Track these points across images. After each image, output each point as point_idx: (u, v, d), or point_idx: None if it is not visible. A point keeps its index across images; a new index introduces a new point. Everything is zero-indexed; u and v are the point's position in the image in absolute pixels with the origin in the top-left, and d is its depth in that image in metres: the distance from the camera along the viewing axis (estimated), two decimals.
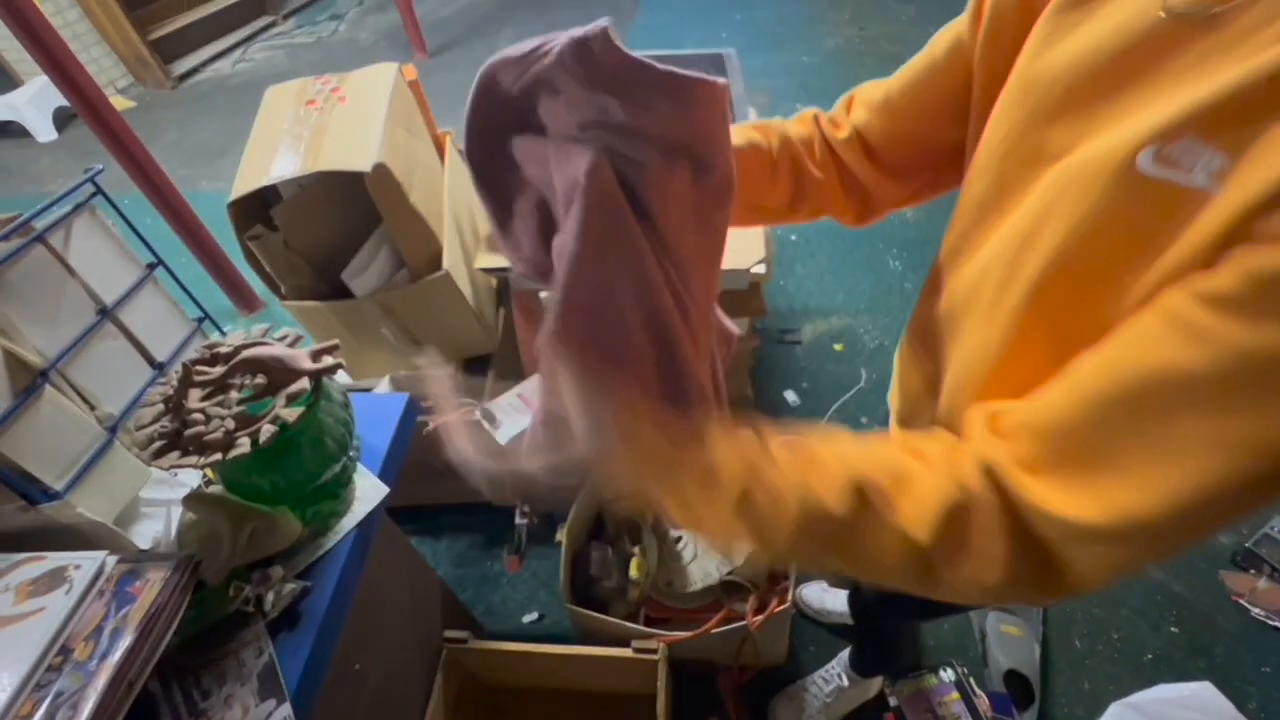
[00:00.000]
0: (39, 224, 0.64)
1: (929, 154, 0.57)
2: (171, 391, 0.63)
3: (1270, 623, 1.28)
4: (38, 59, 1.75)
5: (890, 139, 0.57)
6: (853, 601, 1.03)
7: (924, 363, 0.57)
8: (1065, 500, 0.33)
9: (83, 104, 1.81)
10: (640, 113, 0.39)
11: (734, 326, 0.58)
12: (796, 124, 0.60)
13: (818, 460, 0.40)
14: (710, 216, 0.46)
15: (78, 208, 0.67)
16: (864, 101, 0.58)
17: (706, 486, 0.40)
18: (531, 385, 1.18)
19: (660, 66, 0.38)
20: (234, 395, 0.63)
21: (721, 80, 0.40)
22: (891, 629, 1.05)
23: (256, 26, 4.29)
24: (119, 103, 3.47)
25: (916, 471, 0.39)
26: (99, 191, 0.67)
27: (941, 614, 1.14)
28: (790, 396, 1.78)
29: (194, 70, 3.93)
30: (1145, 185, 0.33)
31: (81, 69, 1.81)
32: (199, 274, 2.09)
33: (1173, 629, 1.29)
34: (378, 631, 0.88)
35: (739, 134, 0.57)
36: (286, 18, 4.46)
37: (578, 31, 0.38)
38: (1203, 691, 1.10)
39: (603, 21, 0.38)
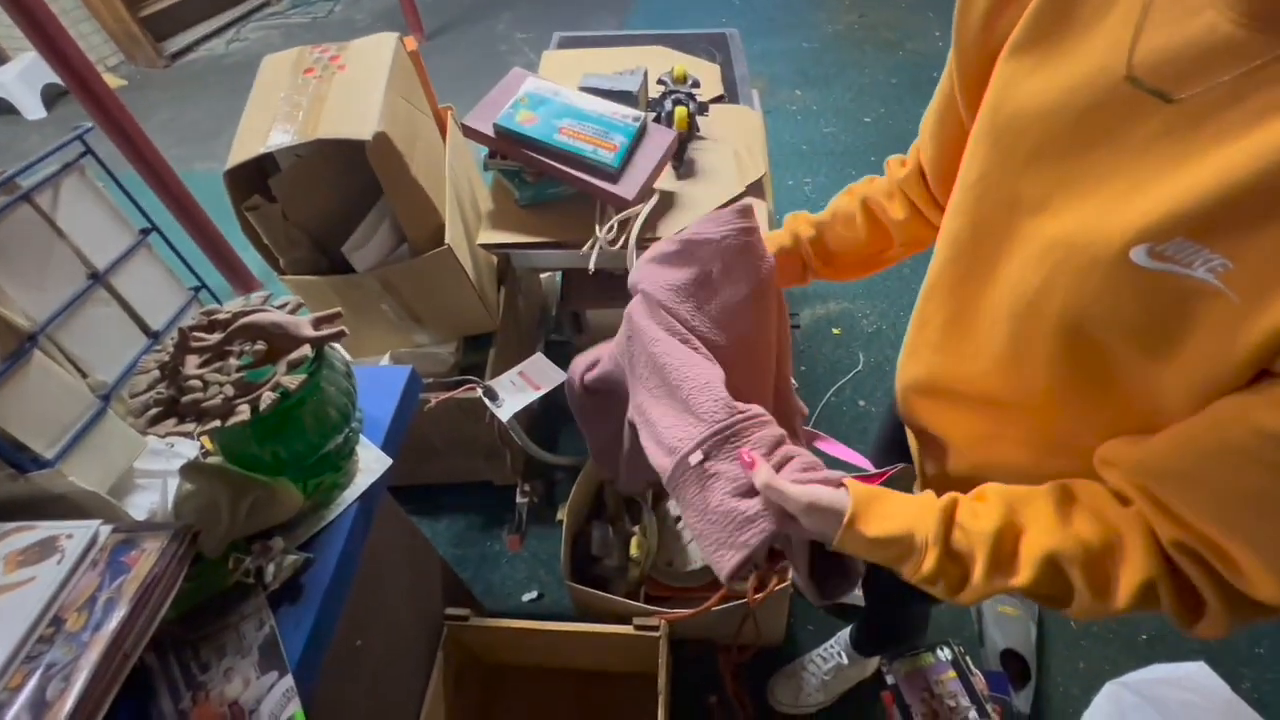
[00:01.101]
0: (25, 182, 0.62)
1: None
2: (167, 358, 0.61)
3: None
4: (27, 33, 1.71)
5: (934, 171, 0.59)
6: (868, 578, 1.02)
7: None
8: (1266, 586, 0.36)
9: (73, 79, 1.77)
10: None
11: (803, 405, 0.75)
12: (878, 181, 0.67)
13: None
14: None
15: (66, 167, 0.65)
16: (900, 178, 0.64)
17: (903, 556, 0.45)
18: (532, 364, 1.17)
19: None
20: (233, 362, 0.61)
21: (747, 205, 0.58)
22: (906, 611, 1.04)
23: (251, 5, 4.20)
24: (110, 81, 3.39)
25: (1107, 540, 0.41)
26: (88, 150, 0.65)
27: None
28: None
29: (187, 49, 3.85)
30: (1146, 276, 0.34)
31: (72, 43, 1.76)
32: (195, 254, 2.06)
33: None
34: (379, 609, 0.87)
35: (841, 204, 0.69)
36: None
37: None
38: (1197, 672, 1.10)
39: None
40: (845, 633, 1.23)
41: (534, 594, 1.40)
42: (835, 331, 1.89)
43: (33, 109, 3.34)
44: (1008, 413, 0.51)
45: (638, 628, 1.04)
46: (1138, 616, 1.29)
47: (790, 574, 1.14)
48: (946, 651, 1.22)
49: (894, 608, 1.04)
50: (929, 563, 0.44)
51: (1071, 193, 0.38)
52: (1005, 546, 0.43)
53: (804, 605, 1.36)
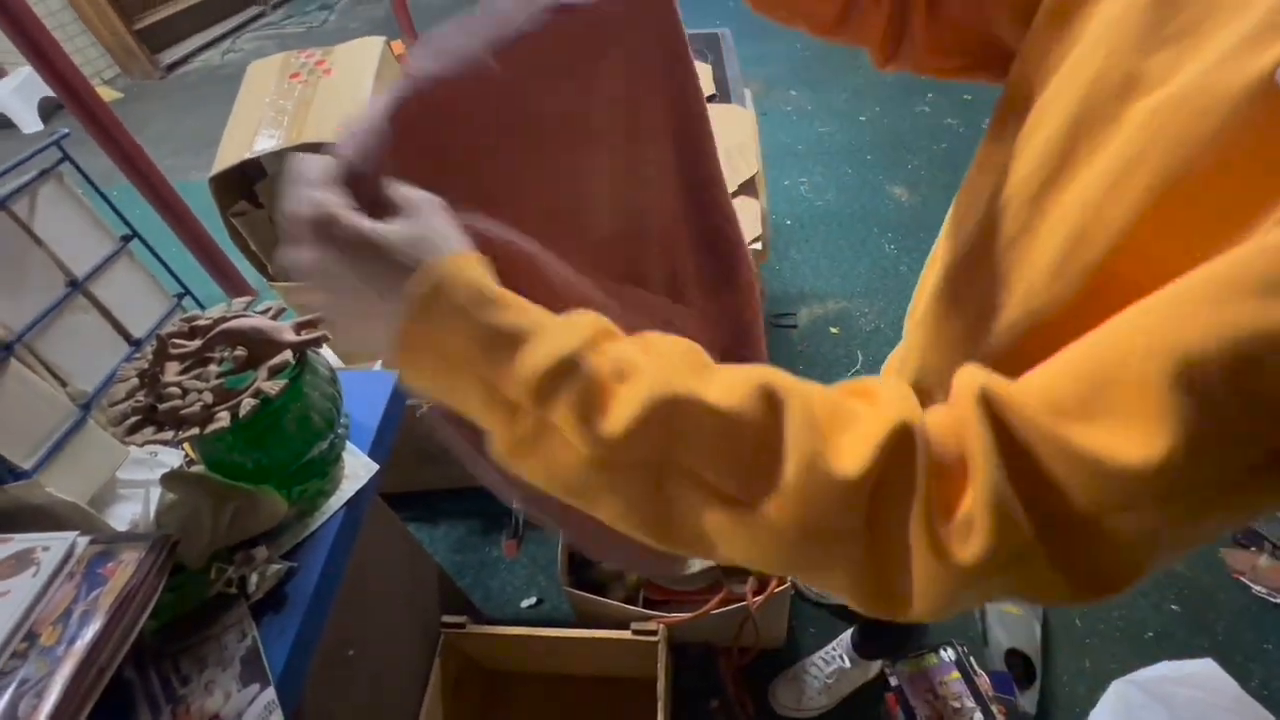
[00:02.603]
0: (0, 190, 0.61)
1: (978, 36, 0.48)
2: (146, 365, 0.60)
3: (1272, 600, 1.26)
4: (21, 48, 1.71)
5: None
6: None
7: (963, 313, 0.49)
8: (1112, 440, 0.24)
9: (68, 94, 1.76)
10: None
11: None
12: None
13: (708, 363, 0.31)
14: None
15: (43, 174, 0.64)
16: None
17: (511, 339, 0.28)
18: None
19: None
20: (213, 369, 0.60)
21: None
22: None
23: (245, 16, 4.23)
24: (105, 93, 3.41)
25: (857, 404, 0.29)
26: (65, 157, 0.64)
27: None
28: None
29: (182, 60, 3.87)
30: None
31: (65, 58, 1.76)
32: (191, 264, 2.05)
33: (1174, 607, 1.28)
34: (373, 617, 0.86)
35: None
36: (275, 7, 4.39)
37: None
38: (1205, 669, 1.08)
39: None
40: (847, 635, 1.21)
41: (533, 600, 1.39)
42: (833, 331, 1.87)
43: (29, 123, 3.35)
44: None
45: (636, 632, 1.02)
46: (1144, 614, 1.27)
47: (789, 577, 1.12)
48: (950, 652, 1.20)
49: None
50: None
51: (1199, 56, 0.31)
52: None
53: (805, 608, 1.34)
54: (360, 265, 0.29)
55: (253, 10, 4.26)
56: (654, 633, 1.02)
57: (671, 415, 0.27)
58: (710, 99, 1.45)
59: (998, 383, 0.27)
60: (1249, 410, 0.23)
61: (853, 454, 0.26)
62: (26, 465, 0.58)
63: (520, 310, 0.29)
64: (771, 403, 0.28)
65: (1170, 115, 0.31)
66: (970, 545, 0.25)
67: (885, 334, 1.85)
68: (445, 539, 1.51)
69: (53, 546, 0.54)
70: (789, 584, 1.11)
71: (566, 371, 0.27)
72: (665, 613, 1.08)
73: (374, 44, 1.09)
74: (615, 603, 1.10)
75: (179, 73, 3.82)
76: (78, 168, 0.66)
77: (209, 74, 3.80)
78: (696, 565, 1.21)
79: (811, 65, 3.03)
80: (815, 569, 0.28)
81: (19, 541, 0.54)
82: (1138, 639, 1.25)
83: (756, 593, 1.11)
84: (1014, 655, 1.21)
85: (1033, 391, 0.27)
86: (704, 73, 1.52)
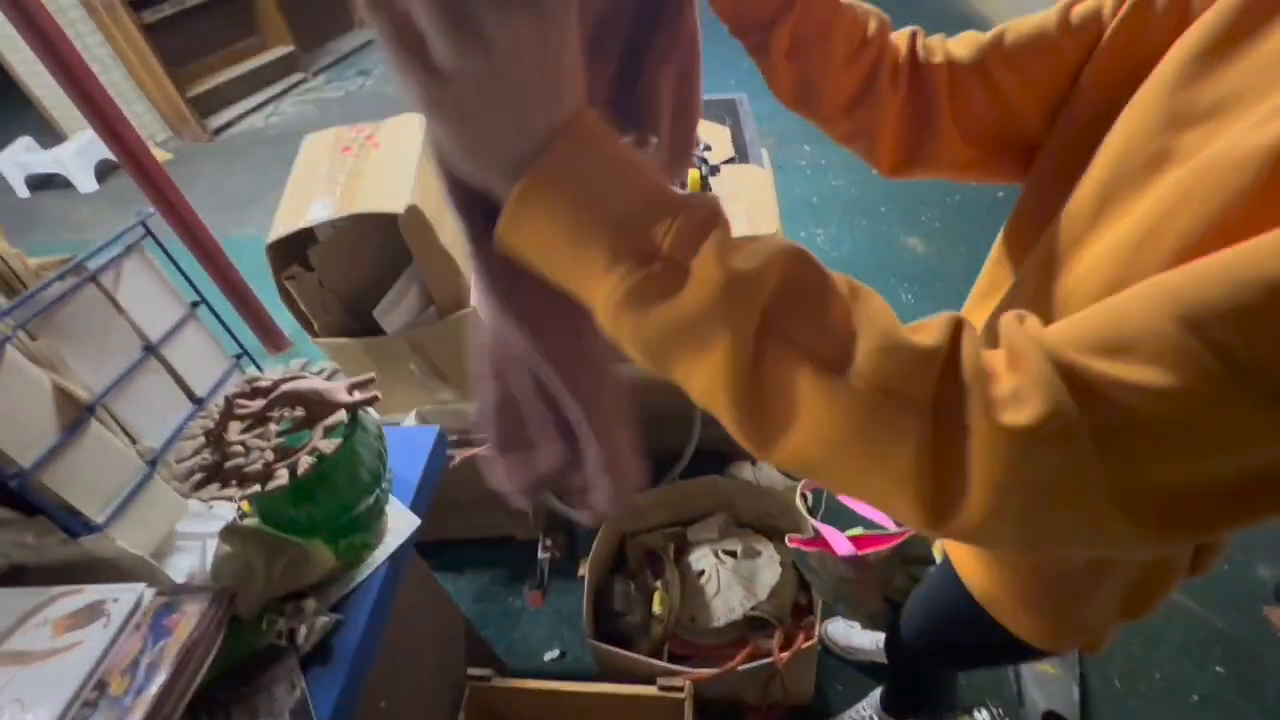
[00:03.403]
0: (91, 264, 0.67)
1: (1004, 126, 0.50)
2: (212, 424, 0.65)
3: None
4: (87, 116, 1.86)
5: (982, 86, 0.49)
6: (889, 643, 1.00)
7: None
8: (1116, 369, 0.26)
9: (127, 157, 1.91)
10: None
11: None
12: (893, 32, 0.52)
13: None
14: None
15: (128, 249, 0.70)
16: (965, 39, 0.51)
17: (666, 199, 0.29)
18: None
19: None
20: (273, 428, 0.65)
21: None
22: (929, 673, 1.01)
23: (289, 82, 4.50)
24: (158, 154, 3.63)
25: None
26: (148, 233, 0.71)
27: (983, 664, 1.10)
28: None
29: (229, 124, 4.12)
30: None
31: (127, 124, 1.92)
32: (230, 315, 2.15)
33: (1218, 668, 1.24)
34: (403, 668, 0.87)
35: None
36: (317, 74, 4.68)
37: None
38: None
39: None
40: (876, 694, 1.19)
41: (556, 653, 1.38)
42: None
43: (86, 183, 3.57)
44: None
45: (662, 688, 1.02)
46: (1188, 675, 1.23)
47: (816, 631, 1.11)
48: (984, 713, 1.17)
49: (915, 669, 1.01)
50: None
51: (1231, 128, 0.33)
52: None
53: (832, 664, 1.31)
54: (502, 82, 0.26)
55: (296, 76, 4.55)
56: (680, 689, 1.02)
57: (791, 264, 0.29)
58: (729, 161, 1.52)
59: (1030, 318, 0.30)
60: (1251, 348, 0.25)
61: (925, 332, 0.29)
62: (99, 519, 0.62)
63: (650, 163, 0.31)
64: (853, 286, 0.31)
65: (1200, 176, 0.33)
66: (1023, 411, 0.27)
67: None
68: (469, 588, 1.52)
69: (122, 598, 0.57)
70: (816, 640, 1.10)
71: (715, 221, 0.29)
72: (691, 667, 1.07)
73: (419, 119, 1.18)
74: (640, 657, 1.09)
75: (225, 135, 4.06)
76: (159, 243, 0.72)
77: (253, 136, 4.03)
78: (722, 619, 1.20)
79: None
80: (879, 449, 0.29)
81: (91, 593, 0.58)
82: (1183, 702, 1.21)
83: (783, 648, 1.10)
84: (1052, 717, 1.17)
85: (1061, 331, 0.29)
86: (723, 136, 1.60)
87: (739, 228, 0.33)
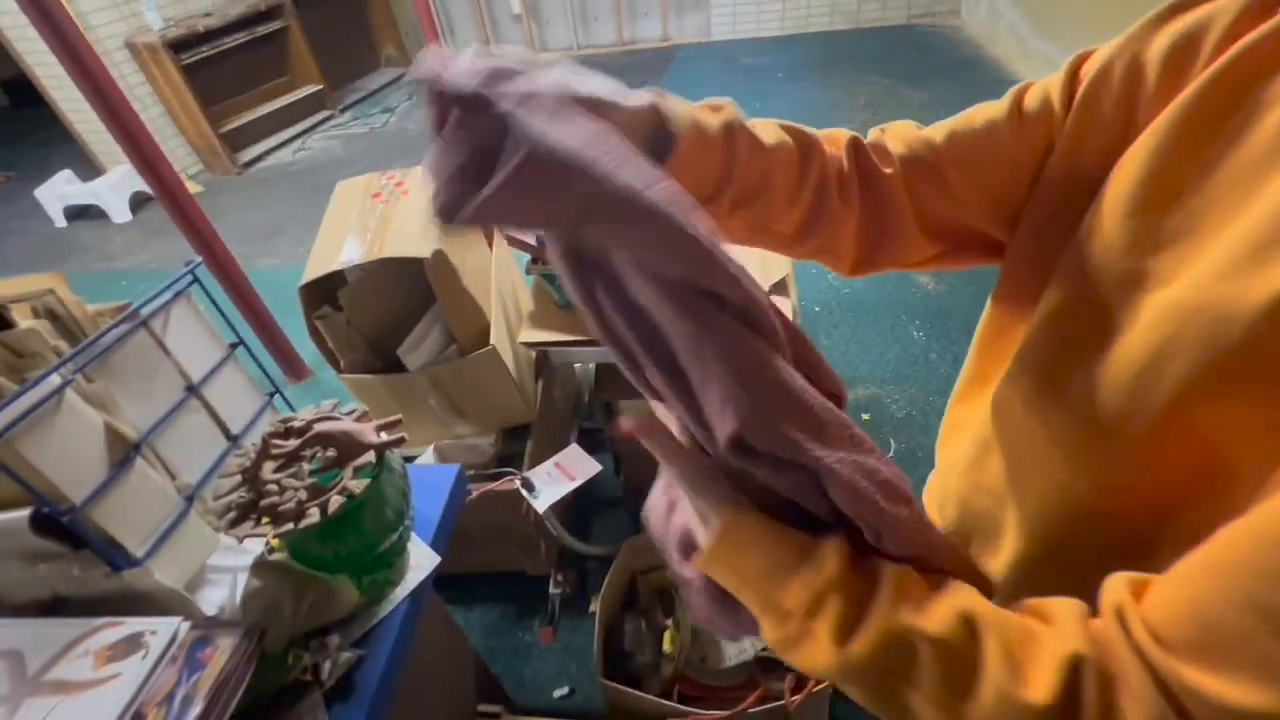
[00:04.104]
0: (144, 311, 0.72)
1: (965, 223, 0.50)
2: (249, 463, 0.68)
3: None
4: (127, 151, 1.96)
5: (937, 188, 0.49)
6: None
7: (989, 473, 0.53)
8: (1214, 683, 0.29)
9: (163, 191, 2.00)
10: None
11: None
12: (827, 143, 0.49)
13: (920, 582, 0.38)
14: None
15: (177, 295, 0.75)
16: (911, 137, 0.50)
17: (789, 571, 0.37)
18: (567, 455, 1.22)
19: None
20: (306, 467, 0.68)
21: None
22: None
23: (316, 119, 4.69)
24: (190, 187, 3.77)
25: (1039, 629, 0.35)
26: (195, 280, 0.75)
27: None
28: None
29: (258, 158, 4.29)
30: None
31: (164, 160, 2.02)
32: (255, 344, 2.22)
33: None
34: (417, 702, 0.88)
35: (770, 131, 0.46)
36: (343, 111, 4.87)
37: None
38: None
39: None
40: None
41: (565, 690, 1.38)
42: (865, 417, 1.90)
43: (120, 214, 3.71)
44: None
45: None
46: None
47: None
48: None
49: None
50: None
51: (1203, 255, 0.35)
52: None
53: (846, 708, 1.30)
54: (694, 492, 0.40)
55: (323, 114, 4.74)
56: None
57: (897, 646, 0.35)
58: None
59: (1131, 610, 0.32)
60: None
61: (1040, 685, 0.32)
62: (140, 553, 0.65)
63: (786, 543, 0.38)
64: (973, 631, 0.34)
65: (1192, 316, 0.34)
66: None
67: (917, 420, 1.87)
68: (480, 623, 1.52)
69: (160, 631, 0.59)
70: (828, 683, 1.10)
71: (825, 599, 0.36)
72: (701, 709, 1.07)
73: None
74: (651, 697, 1.09)
75: (254, 169, 4.22)
76: (206, 291, 0.77)
77: (281, 171, 4.18)
78: (733, 659, 1.20)
79: None
80: None
81: (130, 625, 0.61)
82: None
83: (794, 690, 1.09)
84: None
85: (1157, 624, 0.31)
86: None
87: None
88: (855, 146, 0.50)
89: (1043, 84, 0.45)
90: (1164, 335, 0.36)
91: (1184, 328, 0.35)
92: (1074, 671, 0.32)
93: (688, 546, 0.43)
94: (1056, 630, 0.34)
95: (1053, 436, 0.44)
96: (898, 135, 0.50)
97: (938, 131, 0.49)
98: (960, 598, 0.36)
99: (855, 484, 0.35)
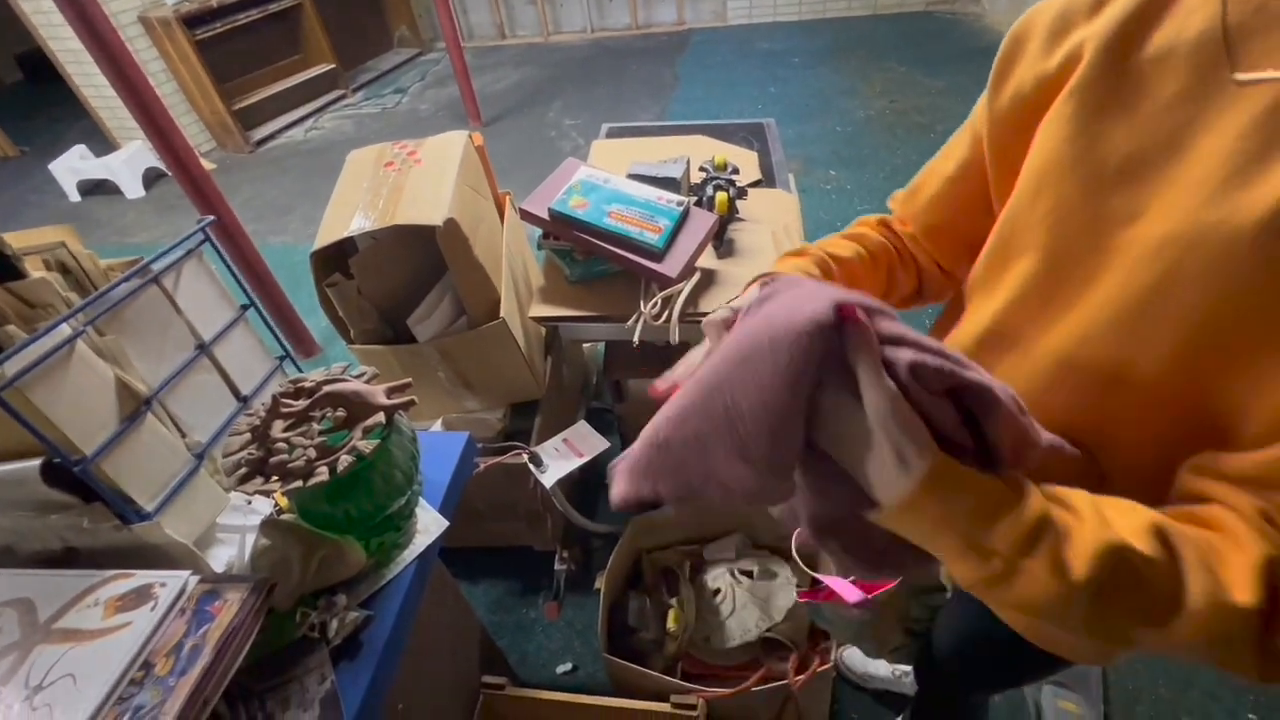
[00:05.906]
0: (156, 267, 0.71)
1: (972, 244, 0.59)
2: (259, 422, 0.68)
3: None
4: (143, 126, 1.96)
5: (940, 234, 0.62)
6: (921, 672, 0.99)
7: None
8: None
9: (177, 166, 2.00)
10: None
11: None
12: (872, 230, 0.65)
13: (1103, 503, 0.39)
14: None
15: (188, 253, 0.74)
16: (908, 202, 0.64)
17: (997, 512, 0.37)
18: (575, 431, 1.21)
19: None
20: (315, 427, 0.68)
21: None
22: (960, 702, 1.00)
23: (329, 99, 4.67)
24: (203, 164, 3.79)
25: (1215, 538, 0.38)
26: (207, 239, 0.75)
27: (1016, 683, 1.08)
28: None
29: (270, 137, 4.28)
30: None
31: (179, 134, 2.02)
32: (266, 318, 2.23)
33: (1251, 715, 1.20)
34: (422, 671, 0.89)
35: (842, 246, 0.61)
36: (355, 91, 4.85)
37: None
38: None
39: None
40: None
41: (569, 666, 1.38)
42: None
43: (133, 190, 3.72)
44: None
45: (675, 706, 1.02)
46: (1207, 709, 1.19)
47: (832, 656, 1.10)
48: None
49: (950, 697, 0.99)
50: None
51: (1175, 195, 0.39)
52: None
53: (848, 692, 1.30)
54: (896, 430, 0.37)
55: (335, 93, 4.72)
56: (693, 707, 1.01)
57: (1112, 562, 0.36)
58: (756, 184, 1.54)
59: None
60: None
61: (1244, 588, 0.35)
62: (150, 507, 0.65)
63: (988, 484, 0.38)
64: (1167, 543, 0.37)
65: (1185, 252, 0.38)
66: None
67: None
68: (485, 597, 1.53)
69: (169, 583, 0.60)
70: (831, 664, 1.09)
71: (1041, 532, 0.36)
72: (705, 687, 1.07)
73: (458, 137, 1.22)
74: (654, 673, 1.09)
75: (266, 147, 4.22)
76: (217, 249, 0.77)
77: (292, 149, 4.17)
78: (737, 639, 1.20)
79: (849, 146, 3.17)
80: (1215, 661, 0.38)
81: (140, 577, 0.61)
82: None
83: (798, 671, 1.09)
84: None
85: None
86: (750, 160, 1.63)
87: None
88: (885, 226, 0.66)
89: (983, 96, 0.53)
90: (1158, 270, 0.40)
91: (1187, 254, 0.38)
92: (1271, 573, 0.35)
93: (856, 500, 0.39)
94: (1230, 537, 0.37)
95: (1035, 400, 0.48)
96: (903, 201, 0.65)
97: (919, 196, 0.62)
98: (1141, 512, 0.38)
99: (1010, 404, 0.37)
